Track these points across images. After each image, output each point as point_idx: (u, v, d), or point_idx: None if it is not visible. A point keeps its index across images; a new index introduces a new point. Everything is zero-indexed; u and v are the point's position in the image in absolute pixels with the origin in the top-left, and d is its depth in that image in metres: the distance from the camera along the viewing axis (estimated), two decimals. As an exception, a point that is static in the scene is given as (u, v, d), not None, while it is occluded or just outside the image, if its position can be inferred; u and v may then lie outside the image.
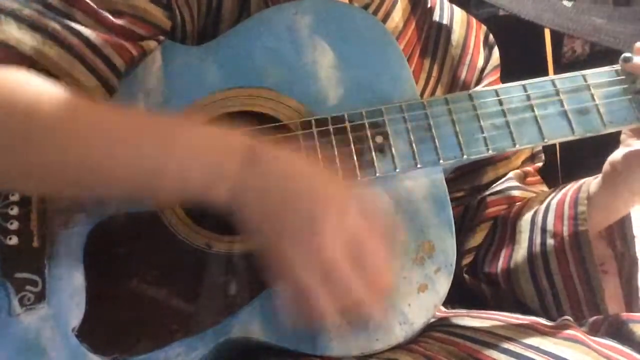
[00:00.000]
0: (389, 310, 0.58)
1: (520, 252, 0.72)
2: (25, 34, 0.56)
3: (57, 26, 0.57)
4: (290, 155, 0.57)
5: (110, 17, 0.60)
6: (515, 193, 0.78)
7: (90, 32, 0.58)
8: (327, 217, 0.52)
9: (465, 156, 0.62)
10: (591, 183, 0.70)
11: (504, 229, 0.75)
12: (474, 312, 0.68)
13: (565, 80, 0.65)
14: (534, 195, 0.78)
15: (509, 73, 0.72)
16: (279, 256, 0.52)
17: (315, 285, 0.51)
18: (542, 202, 0.73)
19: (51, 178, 0.55)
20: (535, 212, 0.72)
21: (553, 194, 0.73)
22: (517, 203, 0.77)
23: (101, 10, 0.59)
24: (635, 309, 0.70)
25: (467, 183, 0.80)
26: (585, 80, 0.65)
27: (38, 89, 0.54)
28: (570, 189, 0.72)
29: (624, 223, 0.70)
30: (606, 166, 0.68)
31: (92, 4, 0.59)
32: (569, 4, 0.78)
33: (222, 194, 0.53)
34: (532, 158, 0.82)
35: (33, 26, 0.57)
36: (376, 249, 0.53)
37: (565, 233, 0.69)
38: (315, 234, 0.51)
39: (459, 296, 0.73)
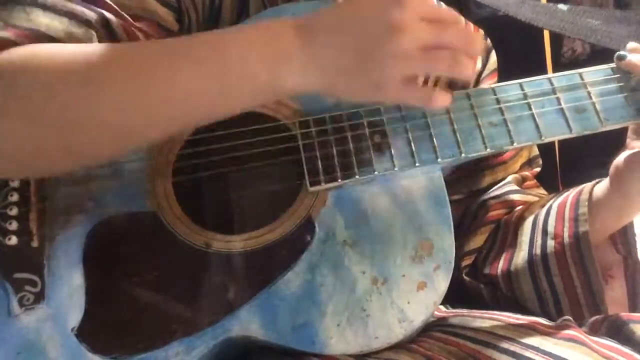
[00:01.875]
0: (388, 308, 0.58)
1: (521, 255, 0.72)
2: (53, 20, 0.57)
3: (81, 8, 0.58)
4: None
5: (131, 20, 0.60)
6: (516, 197, 0.78)
7: (113, 18, 0.59)
8: (392, 11, 0.52)
9: (463, 154, 0.62)
10: (594, 186, 0.70)
11: (506, 232, 0.75)
12: (474, 312, 0.68)
13: (562, 78, 0.65)
14: (536, 199, 0.78)
15: (508, 73, 0.72)
16: (385, 66, 0.52)
17: (432, 41, 0.52)
18: (543, 205, 0.73)
19: (129, 126, 0.54)
20: (537, 215, 0.72)
21: (554, 198, 0.73)
22: (519, 207, 0.77)
23: (121, 12, 0.60)
24: (638, 304, 0.70)
25: (466, 186, 0.80)
26: (582, 79, 0.65)
27: (83, 47, 0.54)
28: (571, 193, 0.72)
29: (626, 228, 0.70)
30: (612, 169, 0.67)
31: (114, 5, 0.60)
32: (564, 8, 0.78)
33: (294, 73, 0.53)
34: (529, 162, 0.82)
35: (59, 12, 0.57)
36: (451, 14, 0.55)
37: (566, 235, 0.68)
38: (396, 35, 0.51)
39: (459, 296, 0.73)
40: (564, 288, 0.68)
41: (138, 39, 0.61)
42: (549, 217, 0.71)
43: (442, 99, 0.56)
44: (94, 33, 0.58)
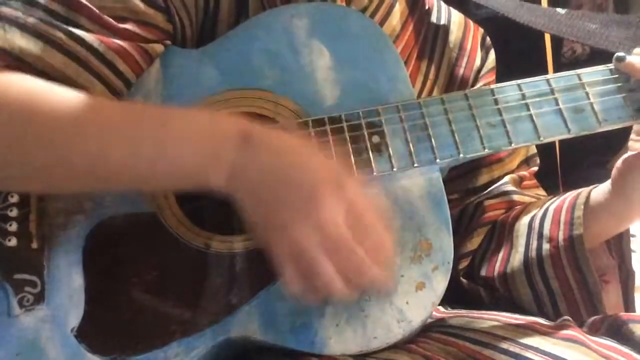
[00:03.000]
0: (387, 308, 0.58)
1: (517, 257, 0.72)
2: (29, 43, 0.57)
3: (61, 34, 0.58)
4: (283, 134, 0.57)
5: (114, 22, 0.60)
6: (514, 197, 0.78)
7: (93, 39, 0.59)
8: (325, 189, 0.52)
9: (461, 155, 0.63)
10: (592, 190, 0.70)
11: (502, 233, 0.75)
12: (474, 313, 0.68)
13: (560, 79, 0.65)
14: (533, 200, 0.78)
15: (508, 73, 0.72)
16: (280, 234, 0.52)
17: (319, 256, 0.51)
18: (540, 207, 0.73)
19: (51, 176, 0.55)
20: (533, 217, 0.72)
21: (552, 200, 0.73)
22: (516, 207, 0.77)
23: (105, 16, 0.60)
24: (631, 310, 0.70)
25: (462, 185, 0.80)
26: (580, 79, 0.65)
27: (37, 89, 0.55)
28: (568, 196, 0.72)
29: (621, 234, 0.70)
30: (614, 172, 0.67)
31: (95, 10, 0.60)
32: (562, 12, 0.78)
33: (219, 178, 0.53)
34: (527, 161, 0.82)
35: (37, 34, 0.57)
36: (374, 219, 0.53)
37: (560, 237, 0.69)
38: (315, 206, 0.51)
39: (458, 297, 0.73)
40: (561, 290, 0.69)
41: (128, 54, 0.61)
42: (544, 220, 0.71)
43: (309, 298, 0.54)
44: (70, 62, 0.58)
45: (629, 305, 0.71)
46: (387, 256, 0.54)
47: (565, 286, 0.68)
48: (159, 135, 0.54)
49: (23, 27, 0.57)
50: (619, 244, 0.70)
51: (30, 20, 0.57)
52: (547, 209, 0.72)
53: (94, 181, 0.56)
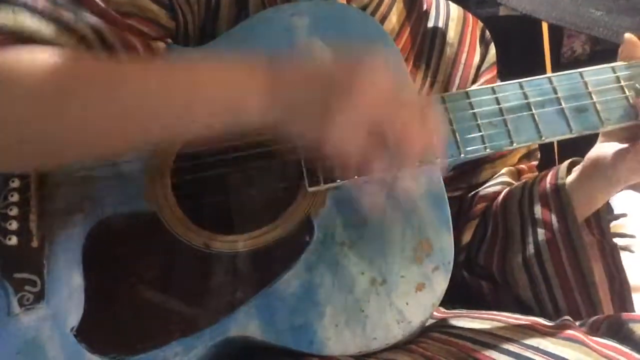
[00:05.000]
0: (387, 309, 0.58)
1: (513, 244, 0.72)
2: (39, 25, 0.57)
3: (70, 15, 0.58)
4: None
5: (119, 16, 0.60)
6: (507, 188, 0.78)
7: (100, 22, 0.59)
8: (362, 79, 0.52)
9: (462, 155, 0.62)
10: (565, 169, 0.71)
11: (495, 223, 0.76)
12: (474, 313, 0.68)
13: (562, 77, 0.65)
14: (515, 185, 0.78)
15: (508, 73, 0.72)
16: (331, 136, 0.52)
17: (389, 111, 0.52)
18: (522, 190, 0.74)
19: (90, 137, 0.55)
20: (521, 203, 0.73)
21: (531, 183, 0.74)
22: (501, 194, 0.78)
23: (110, 9, 0.60)
24: (626, 289, 0.70)
25: (465, 182, 0.80)
26: (582, 78, 0.65)
27: (62, 55, 0.54)
28: (545, 176, 0.73)
29: (598, 212, 0.71)
30: (587, 162, 0.68)
31: (101, 3, 0.59)
32: (566, -3, 0.77)
33: (258, 102, 0.53)
34: (528, 156, 0.82)
35: (46, 17, 0.57)
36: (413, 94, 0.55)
37: (554, 221, 0.69)
38: (356, 96, 0.52)
39: (458, 297, 0.73)
40: (556, 273, 0.69)
41: (132, 45, 0.61)
42: (533, 205, 0.72)
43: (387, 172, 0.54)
44: (79, 45, 0.58)
45: (621, 279, 0.71)
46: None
47: (560, 271, 0.69)
48: (189, 80, 0.55)
49: (33, 10, 0.57)
50: (598, 221, 0.71)
51: (40, 5, 0.57)
52: (531, 193, 0.73)
53: (132, 135, 0.55)
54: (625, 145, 0.65)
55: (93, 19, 0.59)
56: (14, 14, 0.56)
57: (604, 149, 0.67)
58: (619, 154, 0.65)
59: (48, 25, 0.57)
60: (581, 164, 0.70)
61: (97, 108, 0.53)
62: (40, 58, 0.54)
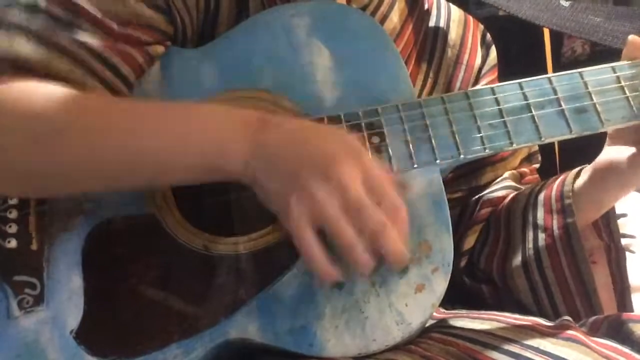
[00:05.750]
0: (386, 310, 0.58)
1: (514, 248, 0.72)
2: (35, 50, 0.57)
3: (65, 40, 0.58)
4: (298, 118, 0.60)
5: (115, 26, 0.60)
6: (512, 193, 0.78)
7: (97, 43, 0.59)
8: (343, 156, 0.53)
9: (462, 156, 0.62)
10: (573, 176, 0.71)
11: (497, 227, 0.76)
12: (474, 313, 0.68)
13: (562, 78, 0.65)
14: (521, 190, 0.78)
15: (508, 73, 0.72)
16: (299, 196, 0.52)
17: (341, 215, 0.51)
18: (528, 196, 0.74)
19: (78, 174, 0.57)
20: (525, 208, 0.73)
21: (538, 188, 0.74)
22: (507, 198, 0.77)
23: (106, 19, 0.60)
24: (627, 295, 0.70)
25: (466, 184, 0.80)
26: (582, 78, 0.64)
27: (53, 91, 0.56)
28: (553, 184, 0.72)
29: (608, 214, 0.71)
30: (600, 165, 0.68)
31: (96, 14, 0.60)
32: (566, 4, 0.77)
33: (238, 161, 0.54)
34: (528, 158, 0.82)
35: (42, 41, 0.58)
36: (390, 188, 0.54)
37: (555, 227, 0.69)
38: (334, 170, 0.52)
39: (458, 298, 0.73)
40: (556, 279, 0.69)
41: (131, 58, 0.61)
42: (537, 210, 0.71)
43: (322, 267, 0.53)
44: (75, 67, 0.59)
45: (623, 283, 0.71)
46: (403, 225, 0.54)
47: (560, 276, 0.69)
48: (181, 125, 0.57)
49: (28, 34, 0.57)
50: (608, 225, 0.71)
51: (34, 26, 0.58)
52: (536, 199, 0.72)
53: (117, 174, 0.57)
54: None
55: (89, 40, 0.59)
56: (9, 39, 0.57)
57: (616, 153, 0.67)
58: (636, 160, 0.65)
59: (44, 50, 0.58)
60: (591, 167, 0.69)
61: (85, 149, 0.55)
62: (36, 93, 0.55)
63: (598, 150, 0.69)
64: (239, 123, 0.56)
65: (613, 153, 0.67)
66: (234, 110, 0.59)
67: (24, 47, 0.57)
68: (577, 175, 0.71)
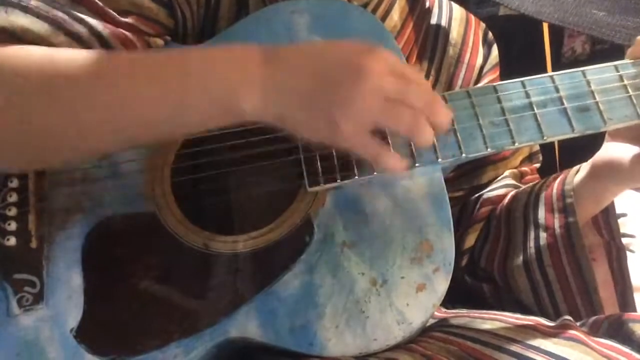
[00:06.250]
0: (387, 309, 0.58)
1: (514, 247, 0.72)
2: (32, 24, 0.56)
3: (64, 16, 0.58)
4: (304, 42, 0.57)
5: (117, 15, 0.60)
6: (512, 191, 0.78)
7: (98, 24, 0.59)
8: (364, 57, 0.52)
9: (464, 155, 0.62)
10: (574, 175, 0.71)
11: (498, 225, 0.76)
12: (475, 313, 0.68)
13: (565, 76, 0.64)
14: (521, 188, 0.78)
15: (509, 73, 0.72)
16: (342, 114, 0.51)
17: (393, 111, 0.52)
18: (529, 195, 0.74)
19: (84, 132, 0.54)
20: (526, 207, 0.73)
21: (539, 187, 0.74)
22: (507, 197, 0.77)
23: (108, 9, 0.60)
24: (629, 294, 0.70)
25: (467, 183, 0.80)
26: (585, 77, 0.64)
27: (50, 51, 0.55)
28: (554, 181, 0.72)
29: (608, 212, 0.71)
30: (599, 162, 0.68)
31: (98, 2, 0.59)
32: (569, -3, 0.76)
33: (254, 97, 0.52)
34: (530, 158, 0.82)
35: (40, 16, 0.57)
36: (417, 74, 0.54)
37: (557, 226, 0.69)
38: (363, 72, 0.51)
39: (459, 297, 0.73)
40: (557, 279, 0.69)
41: (130, 43, 0.60)
42: (538, 209, 0.71)
43: (394, 162, 0.54)
44: (73, 42, 0.58)
45: (624, 281, 0.71)
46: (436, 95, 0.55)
47: (561, 275, 0.69)
48: (183, 70, 0.54)
49: (25, 9, 0.57)
50: (608, 222, 0.71)
51: (33, 3, 0.57)
52: (538, 197, 0.72)
53: (124, 129, 0.55)
54: None
55: (90, 19, 0.58)
56: (7, 14, 0.56)
57: (616, 150, 0.66)
58: (635, 156, 0.64)
59: (43, 24, 0.57)
60: (591, 162, 0.69)
61: (86, 101, 0.53)
62: (31, 54, 0.54)
63: (597, 148, 0.69)
64: (243, 59, 0.53)
65: (612, 149, 0.67)
66: (234, 50, 0.55)
67: (21, 20, 0.56)
68: (578, 172, 0.71)
